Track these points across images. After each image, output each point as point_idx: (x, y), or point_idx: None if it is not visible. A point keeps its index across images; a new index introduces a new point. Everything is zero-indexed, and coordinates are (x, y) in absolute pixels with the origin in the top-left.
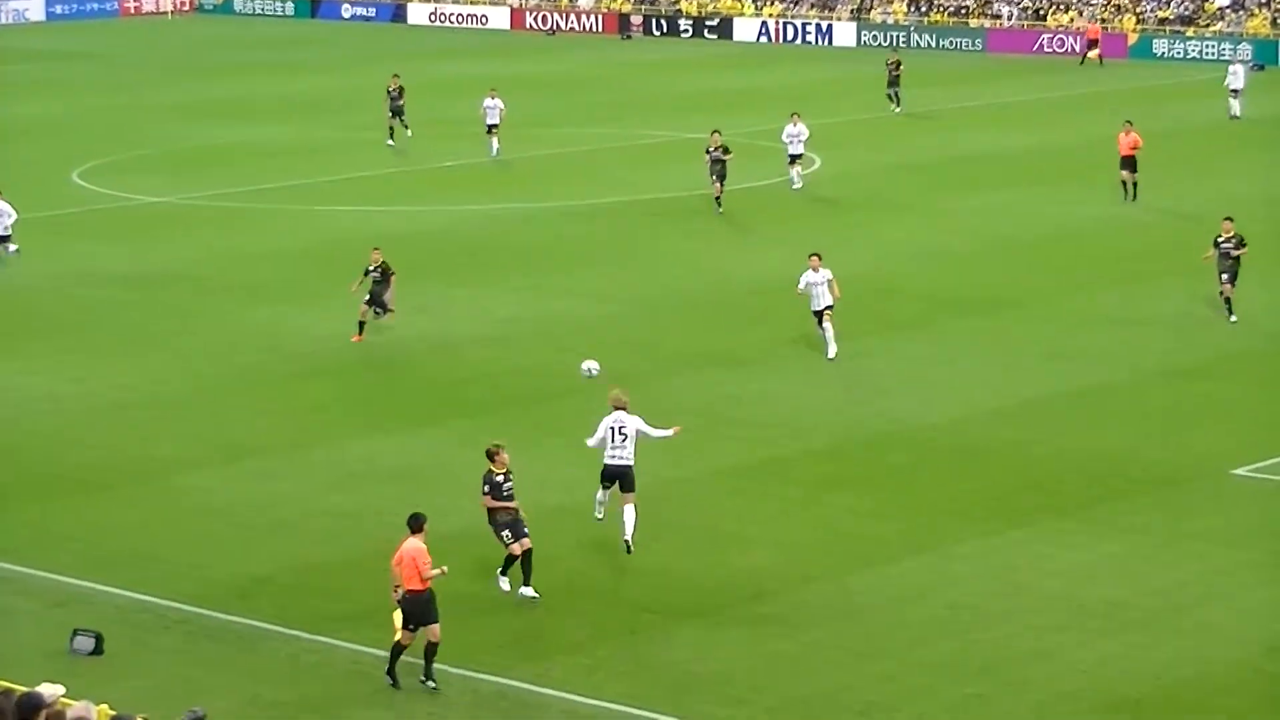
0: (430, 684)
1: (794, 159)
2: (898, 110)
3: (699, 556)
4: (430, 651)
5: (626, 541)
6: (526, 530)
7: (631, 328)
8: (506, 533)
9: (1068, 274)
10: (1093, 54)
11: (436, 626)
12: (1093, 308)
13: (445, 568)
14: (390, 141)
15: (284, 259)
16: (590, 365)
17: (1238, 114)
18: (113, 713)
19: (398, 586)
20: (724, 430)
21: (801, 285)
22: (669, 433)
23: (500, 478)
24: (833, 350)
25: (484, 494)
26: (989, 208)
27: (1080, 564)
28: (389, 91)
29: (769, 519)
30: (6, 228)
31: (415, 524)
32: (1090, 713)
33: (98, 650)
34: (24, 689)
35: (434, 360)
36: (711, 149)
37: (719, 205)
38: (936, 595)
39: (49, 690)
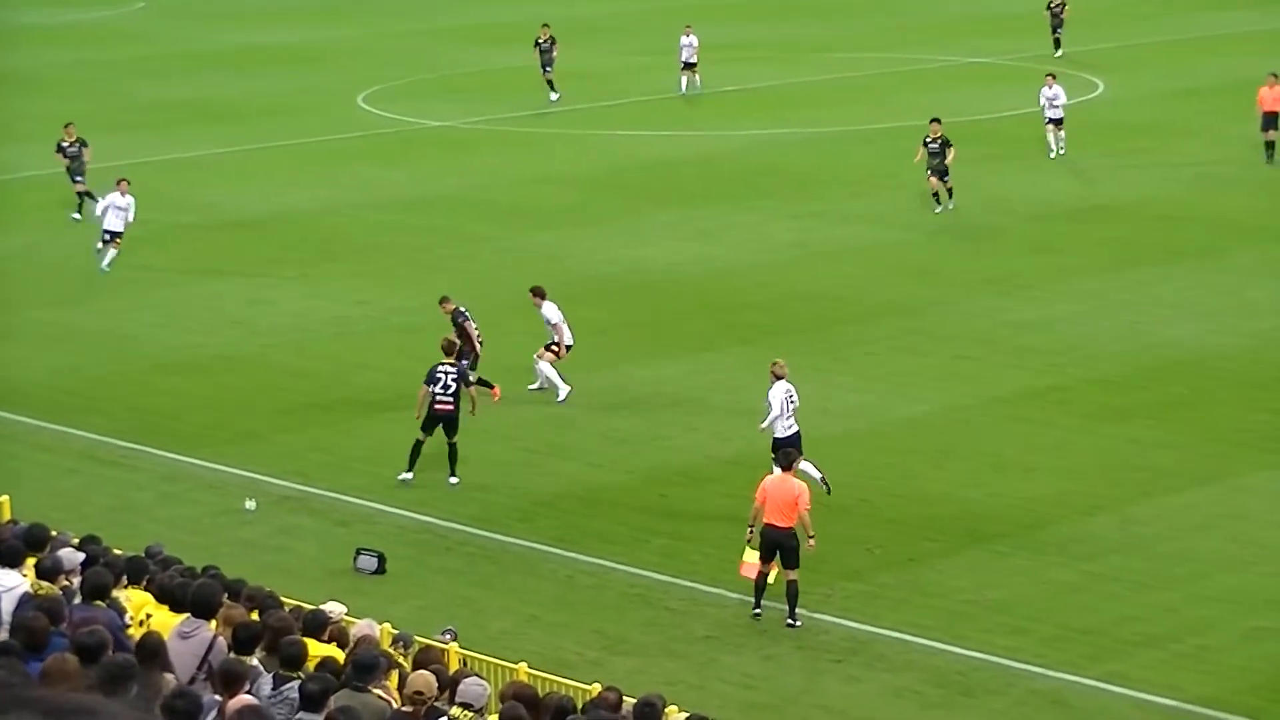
0: (759, 613)
1: (1053, 123)
2: (1058, 55)
3: (979, 485)
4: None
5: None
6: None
7: (912, 254)
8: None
9: None
10: None
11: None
12: None
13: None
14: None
15: (565, 183)
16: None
17: None
18: (394, 631)
19: (751, 526)
20: (1005, 358)
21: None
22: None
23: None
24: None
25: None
26: None
27: None
28: (538, 43)
29: (1050, 448)
30: (126, 222)
31: (786, 461)
32: None
33: (380, 570)
34: (310, 606)
35: (715, 286)
36: (929, 140)
37: (938, 202)
38: (1221, 528)
39: (333, 608)
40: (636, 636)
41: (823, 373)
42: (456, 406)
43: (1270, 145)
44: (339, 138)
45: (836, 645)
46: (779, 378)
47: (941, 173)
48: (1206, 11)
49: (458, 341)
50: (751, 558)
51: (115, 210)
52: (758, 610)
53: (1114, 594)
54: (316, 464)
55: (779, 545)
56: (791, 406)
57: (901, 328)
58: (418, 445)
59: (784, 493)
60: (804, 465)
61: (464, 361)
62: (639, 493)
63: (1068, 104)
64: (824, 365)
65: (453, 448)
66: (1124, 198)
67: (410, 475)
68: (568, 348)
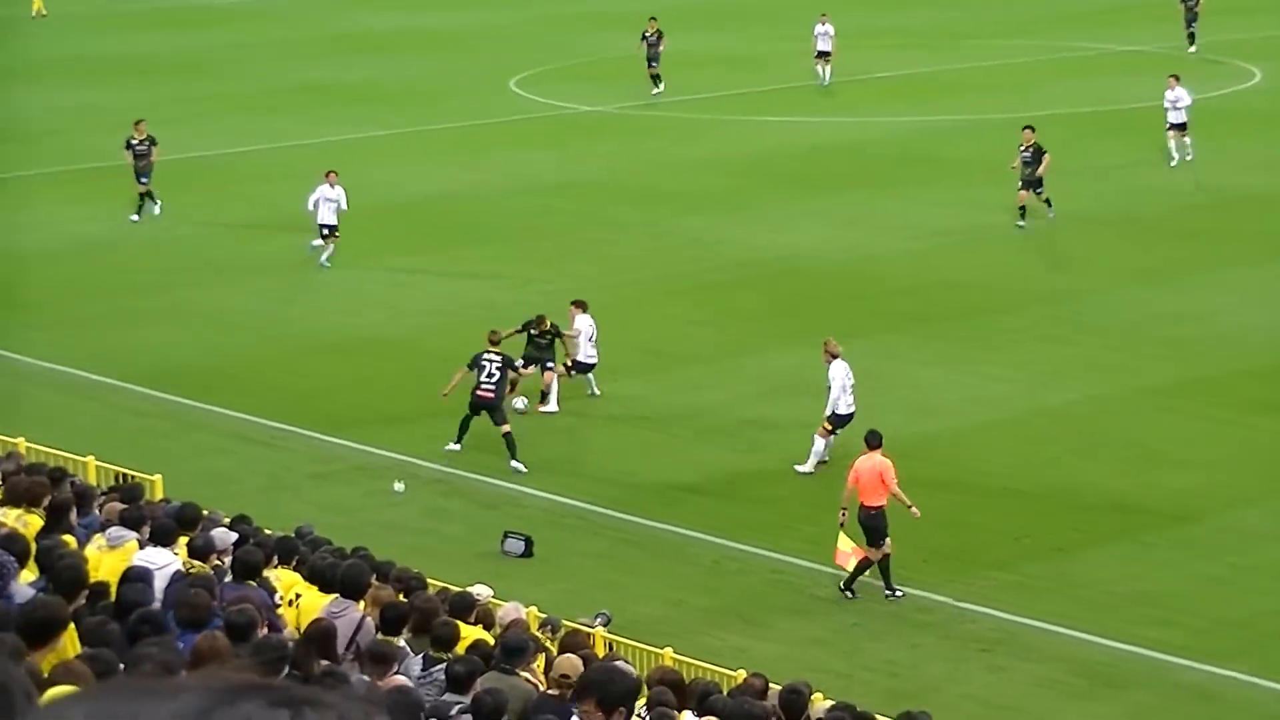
0: (896, 594)
1: (1176, 128)
2: (1192, 50)
3: (1127, 476)
4: (886, 563)
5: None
6: None
7: (1058, 243)
8: None
9: None
10: None
11: (888, 540)
12: None
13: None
14: (657, 89)
15: (714, 168)
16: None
17: None
18: (541, 615)
19: (845, 509)
20: (1153, 349)
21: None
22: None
23: None
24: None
25: None
26: None
27: None
28: (645, 36)
29: (1199, 440)
30: (339, 213)
31: (874, 440)
32: None
33: (527, 553)
34: (457, 589)
35: (862, 272)
36: (1023, 148)
37: (1022, 217)
38: None
39: (481, 591)
40: (782, 623)
41: (970, 361)
42: (498, 395)
43: None
44: (490, 122)
45: (983, 635)
46: (835, 356)
47: (1033, 184)
48: None
49: (502, 332)
50: (845, 545)
51: (326, 202)
52: (892, 593)
53: (1263, 588)
54: (464, 447)
55: (869, 526)
56: (850, 384)
57: (1049, 316)
58: (466, 420)
59: (870, 471)
60: (818, 439)
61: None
62: (783, 479)
63: (1210, 97)
64: (972, 354)
65: (506, 437)
66: (1276, 189)
67: (458, 446)
68: (576, 364)
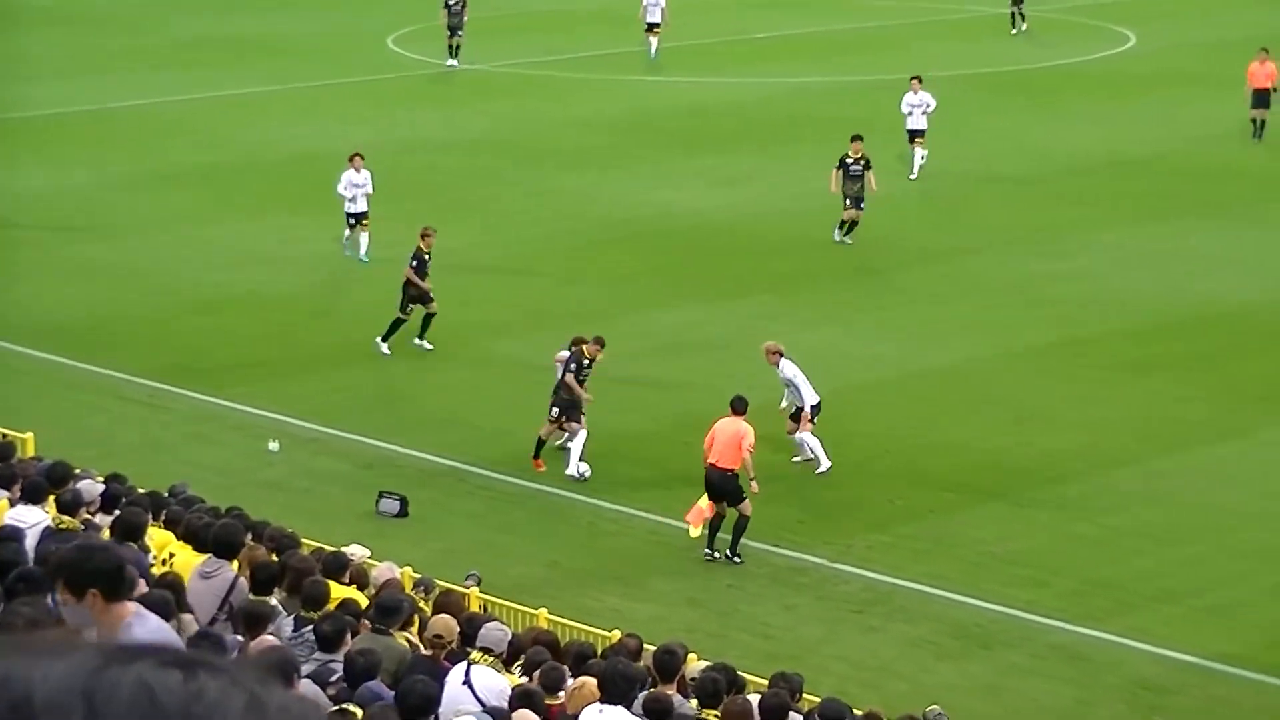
0: (714, 555)
1: (914, 135)
2: (1014, 32)
3: (1003, 436)
4: (741, 526)
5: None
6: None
7: (940, 203)
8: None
9: None
10: None
11: (747, 503)
12: None
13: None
14: (452, 62)
15: (595, 127)
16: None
17: None
18: (416, 575)
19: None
20: (1034, 310)
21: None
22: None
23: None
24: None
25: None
26: None
27: None
28: (448, 5)
29: (1075, 401)
30: (362, 201)
31: (740, 405)
32: None
33: (402, 513)
34: (332, 549)
35: (743, 231)
36: (849, 161)
37: (841, 231)
38: (1246, 483)
39: (356, 551)
40: (658, 584)
41: (850, 322)
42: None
43: (1258, 123)
44: (368, 79)
45: (856, 596)
46: (780, 354)
47: (859, 200)
48: None
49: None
50: (704, 502)
51: (353, 187)
52: (711, 554)
53: (1136, 548)
54: (342, 406)
55: (718, 487)
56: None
57: (929, 277)
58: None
59: (729, 434)
60: (807, 437)
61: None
62: (664, 439)
63: (1085, 60)
64: (850, 314)
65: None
66: (1154, 150)
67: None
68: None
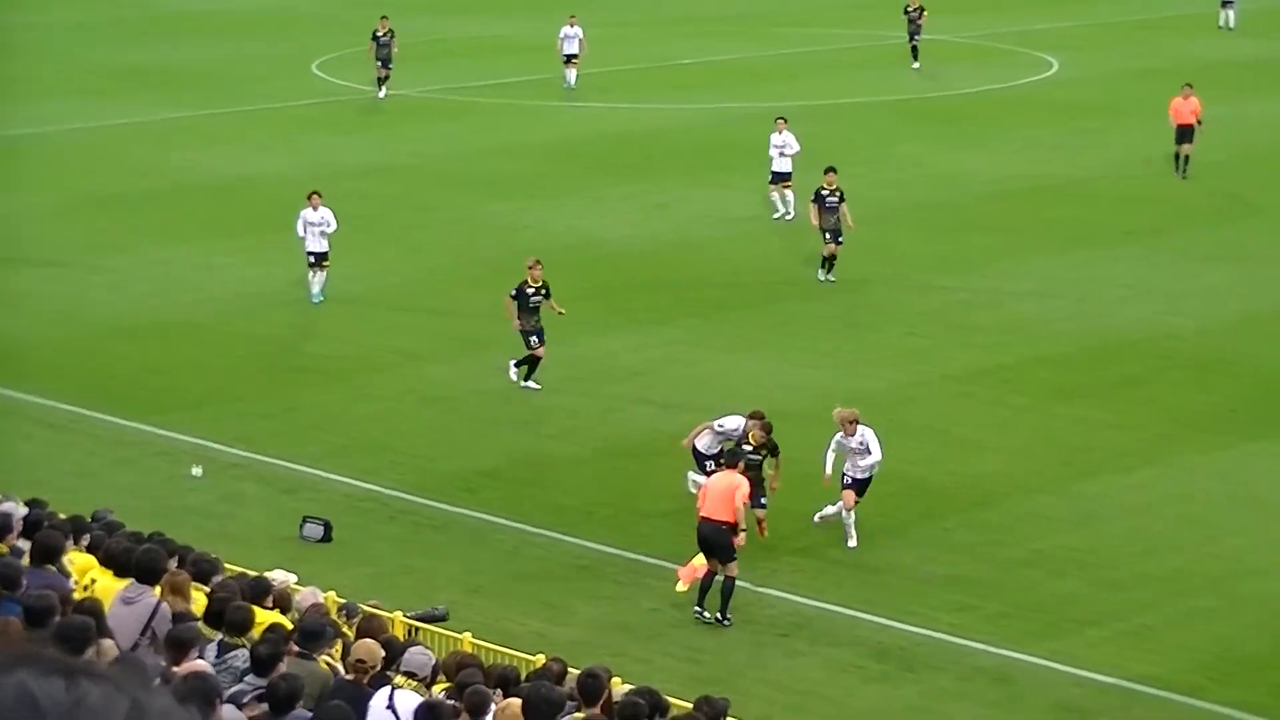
0: (705, 616)
1: (778, 178)
2: (915, 66)
3: (928, 462)
4: (728, 589)
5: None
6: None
7: (865, 231)
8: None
9: None
10: None
11: (735, 564)
12: None
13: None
14: (381, 93)
15: (521, 153)
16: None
17: None
18: (340, 600)
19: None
20: (956, 336)
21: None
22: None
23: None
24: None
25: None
26: (1235, 117)
27: None
28: (376, 36)
29: (999, 426)
30: (321, 240)
31: (732, 459)
32: None
33: (326, 537)
34: (255, 573)
35: (669, 259)
36: (825, 192)
37: (824, 271)
38: (1167, 508)
39: (280, 576)
40: (583, 609)
41: (775, 348)
42: None
43: (1180, 158)
44: (293, 105)
45: (782, 620)
46: (855, 422)
47: (837, 234)
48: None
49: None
50: (699, 561)
51: (310, 227)
52: (700, 612)
53: (1060, 572)
54: (265, 431)
55: (710, 541)
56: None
57: (853, 303)
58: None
59: (722, 487)
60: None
61: None
62: (589, 465)
63: (1008, 87)
64: (777, 340)
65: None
66: (1075, 176)
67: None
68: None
